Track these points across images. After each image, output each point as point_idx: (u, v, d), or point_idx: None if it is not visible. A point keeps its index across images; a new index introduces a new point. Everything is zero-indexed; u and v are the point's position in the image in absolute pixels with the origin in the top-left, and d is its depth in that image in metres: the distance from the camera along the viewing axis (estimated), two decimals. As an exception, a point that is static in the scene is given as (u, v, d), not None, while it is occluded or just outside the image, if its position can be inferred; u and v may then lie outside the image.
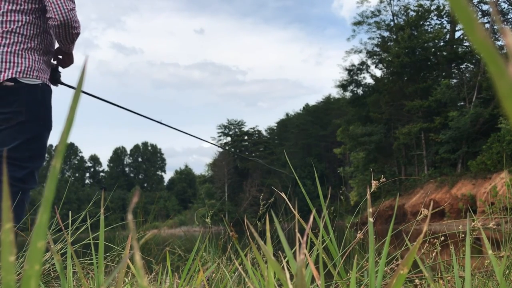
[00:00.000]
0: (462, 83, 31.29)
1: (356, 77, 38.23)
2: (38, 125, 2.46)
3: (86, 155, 77.99)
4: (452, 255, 0.99)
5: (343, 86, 38.66)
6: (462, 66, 34.44)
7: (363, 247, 1.44)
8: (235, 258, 1.38)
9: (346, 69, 38.09)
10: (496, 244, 1.62)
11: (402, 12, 35.75)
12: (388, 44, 35.95)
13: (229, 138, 55.95)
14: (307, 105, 63.73)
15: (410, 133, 31.11)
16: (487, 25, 26.19)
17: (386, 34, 36.53)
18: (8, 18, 2.42)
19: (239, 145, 55.64)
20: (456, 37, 33.80)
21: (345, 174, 39.61)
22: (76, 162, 75.90)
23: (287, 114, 66.49)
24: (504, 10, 29.50)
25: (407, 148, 33.70)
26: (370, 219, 0.81)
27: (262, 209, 2.06)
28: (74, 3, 2.49)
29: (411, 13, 35.11)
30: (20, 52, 2.43)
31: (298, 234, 0.67)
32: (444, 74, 33.56)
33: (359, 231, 1.17)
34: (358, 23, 36.58)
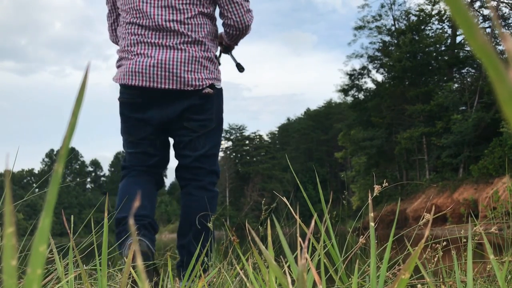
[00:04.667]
0: (464, 88, 31.27)
1: (357, 82, 38.23)
2: (221, 130, 2.48)
3: (87, 159, 77.84)
4: (454, 260, 0.99)
5: (344, 90, 38.64)
6: (463, 71, 34.44)
7: (365, 252, 1.44)
8: (236, 263, 1.38)
9: (347, 74, 38.12)
10: (498, 249, 1.61)
11: (403, 17, 35.81)
12: (389, 48, 35.99)
13: (230, 143, 55.95)
14: (308, 109, 63.77)
15: (411, 138, 31.06)
16: (488, 30, 26.21)
17: (387, 38, 36.58)
18: (199, 21, 2.26)
19: (240, 149, 55.61)
20: (457, 41, 33.83)
21: (346, 178, 39.57)
22: (77, 166, 75.88)
23: (288, 119, 66.54)
24: (505, 14, 29.54)
25: (408, 153, 33.64)
26: (372, 224, 0.81)
27: (264, 214, 2.06)
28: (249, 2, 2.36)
29: (412, 17, 35.17)
30: (212, 58, 2.33)
31: (299, 239, 0.67)
32: (445, 78, 33.55)
33: (361, 236, 1.17)
34: (359, 28, 36.62)
